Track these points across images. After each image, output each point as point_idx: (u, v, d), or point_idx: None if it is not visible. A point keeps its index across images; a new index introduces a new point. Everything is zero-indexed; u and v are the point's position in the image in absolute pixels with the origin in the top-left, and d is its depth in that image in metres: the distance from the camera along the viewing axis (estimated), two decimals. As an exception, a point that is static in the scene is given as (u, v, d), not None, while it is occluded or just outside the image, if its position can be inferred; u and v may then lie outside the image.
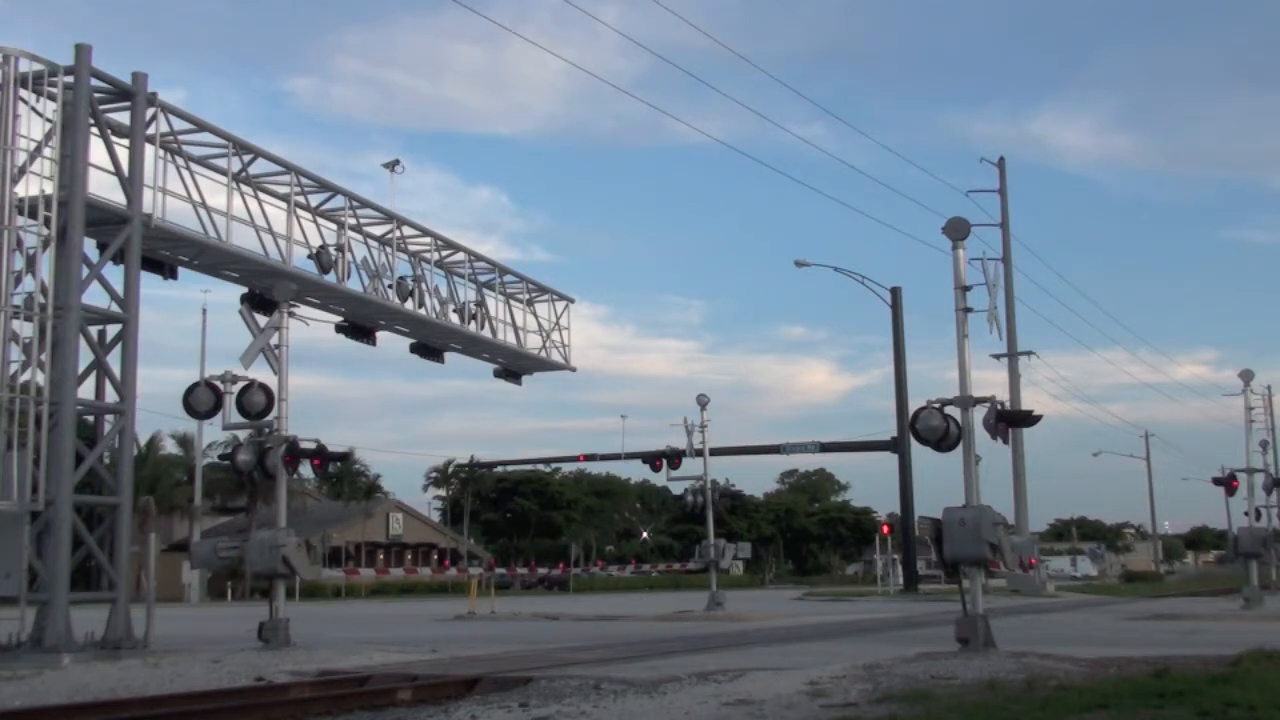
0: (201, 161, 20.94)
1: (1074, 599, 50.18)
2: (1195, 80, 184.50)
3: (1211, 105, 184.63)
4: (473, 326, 28.44)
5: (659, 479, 41.68)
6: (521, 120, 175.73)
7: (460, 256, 28.47)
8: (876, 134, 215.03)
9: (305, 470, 24.14)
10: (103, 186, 18.71)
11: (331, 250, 23.61)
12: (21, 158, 17.52)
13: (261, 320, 20.35)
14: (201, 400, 19.95)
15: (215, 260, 21.46)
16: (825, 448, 68.62)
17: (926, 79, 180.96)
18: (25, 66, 17.52)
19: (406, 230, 26.43)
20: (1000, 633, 17.48)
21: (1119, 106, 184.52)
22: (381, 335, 27.01)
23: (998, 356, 22.79)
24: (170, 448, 64.36)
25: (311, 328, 23.11)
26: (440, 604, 45.90)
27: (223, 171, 21.22)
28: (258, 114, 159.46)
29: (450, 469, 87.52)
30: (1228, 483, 32.54)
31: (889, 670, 13.66)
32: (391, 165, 26.36)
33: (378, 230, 25.76)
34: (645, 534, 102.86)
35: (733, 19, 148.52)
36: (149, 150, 19.20)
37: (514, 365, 31.71)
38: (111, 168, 18.75)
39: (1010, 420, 17.89)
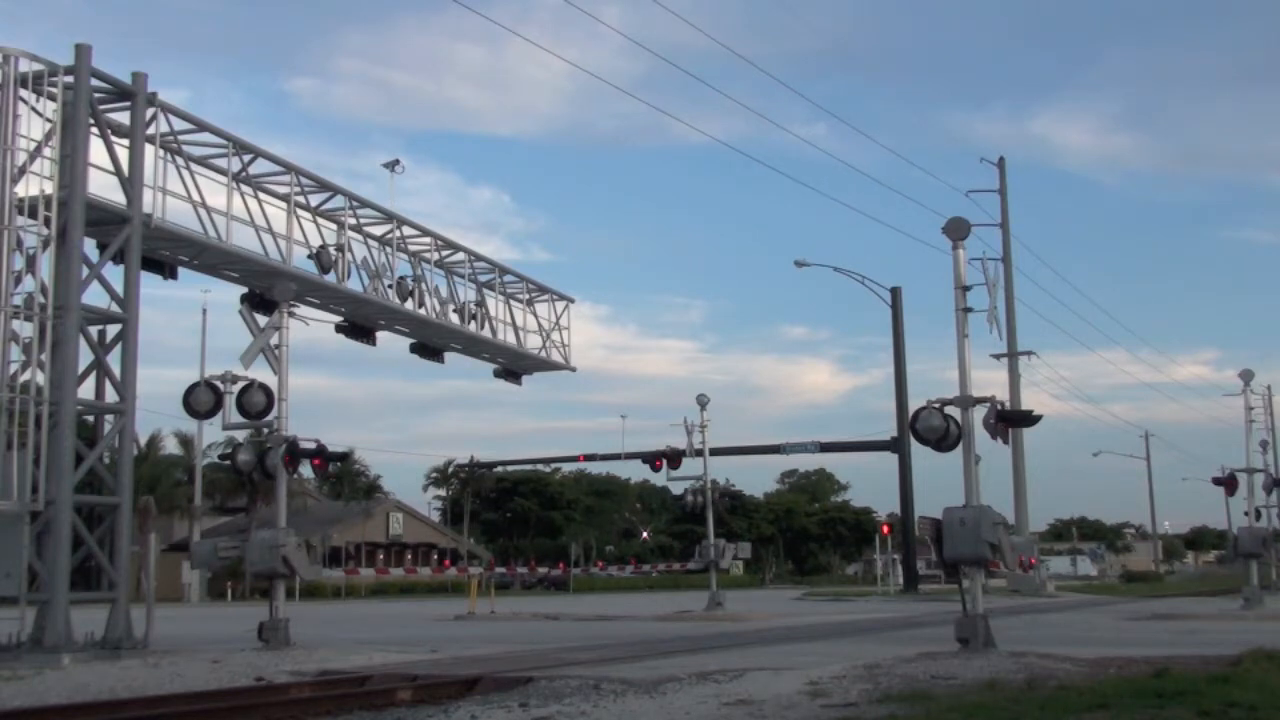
0: (201, 161, 20.95)
1: (1074, 599, 50.17)
2: (1196, 80, 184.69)
3: (1212, 105, 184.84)
4: (473, 326, 28.44)
5: (659, 479, 41.64)
6: (523, 120, 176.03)
7: (460, 256, 28.46)
8: (877, 134, 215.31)
9: (305, 470, 24.12)
10: (103, 186, 18.74)
11: (331, 250, 23.61)
12: (21, 158, 17.52)
13: (261, 320, 20.33)
14: (201, 400, 19.94)
15: (215, 260, 21.46)
16: (825, 448, 68.58)
17: (927, 79, 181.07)
18: (25, 66, 17.52)
19: (406, 230, 26.43)
20: (1000, 633, 17.49)
21: (1120, 106, 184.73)
22: (381, 335, 27.02)
23: (998, 356, 22.81)
24: (171, 447, 64.43)
25: (311, 328, 23.13)
26: (440, 604, 45.89)
27: (223, 171, 21.22)
28: (260, 114, 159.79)
29: (450, 469, 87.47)
30: (1228, 483, 32.52)
31: (889, 670, 13.66)
32: (391, 165, 26.39)
33: (378, 230, 25.76)
34: (645, 534, 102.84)
35: (734, 20, 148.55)
36: (149, 150, 19.20)
37: (514, 365, 31.71)
38: (111, 168, 18.75)
39: (1010, 420, 17.89)
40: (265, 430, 20.52)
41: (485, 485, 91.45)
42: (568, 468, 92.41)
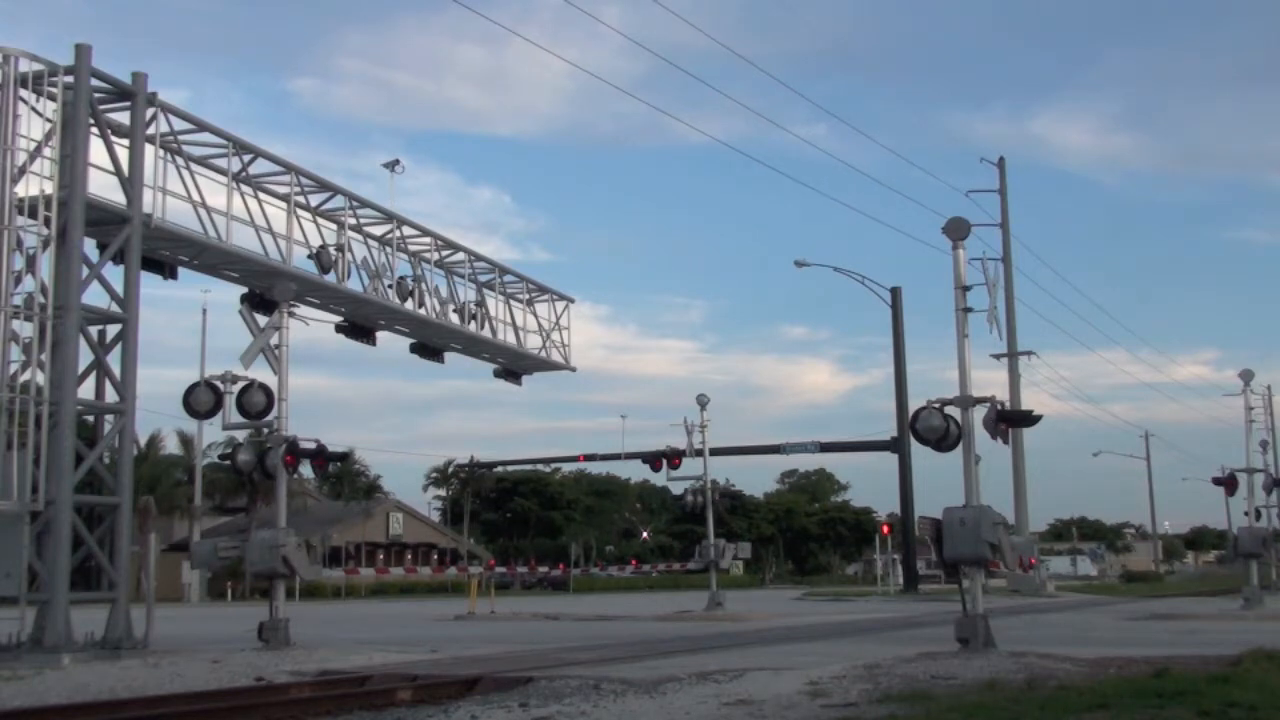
0: (201, 161, 20.95)
1: (1074, 599, 50.17)
2: (1196, 80, 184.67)
3: (1212, 105, 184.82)
4: (473, 326, 28.44)
5: (659, 479, 41.69)
6: (523, 120, 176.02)
7: (460, 256, 28.47)
8: (877, 134, 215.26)
9: (305, 470, 24.12)
10: (103, 186, 18.74)
11: (331, 250, 23.62)
12: (21, 158, 17.52)
13: (261, 320, 20.33)
14: (201, 400, 19.94)
15: (215, 260, 21.46)
16: (825, 448, 68.58)
17: (927, 79, 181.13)
18: (25, 66, 17.52)
19: (406, 230, 26.43)
20: (1000, 633, 17.49)
21: (1120, 106, 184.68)
22: (381, 335, 27.02)
23: (998, 356, 22.81)
24: (171, 447, 64.46)
25: (311, 328, 23.14)
26: (440, 604, 45.89)
27: (223, 171, 21.22)
28: (260, 114, 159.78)
29: (450, 469, 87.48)
30: (1228, 483, 32.52)
31: (889, 670, 13.67)
32: (391, 165, 26.40)
33: (378, 230, 25.77)
34: (645, 534, 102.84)
35: (733, 20, 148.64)
36: (149, 150, 19.20)
37: (514, 365, 31.71)
38: (111, 168, 18.75)
39: (1010, 420, 17.89)
40: (265, 430, 20.52)
41: (485, 485, 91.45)
42: (568, 468, 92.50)
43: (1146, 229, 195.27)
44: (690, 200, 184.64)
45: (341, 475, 73.38)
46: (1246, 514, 32.78)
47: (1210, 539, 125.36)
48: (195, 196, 20.31)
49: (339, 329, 25.69)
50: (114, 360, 18.84)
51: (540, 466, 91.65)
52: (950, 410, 17.47)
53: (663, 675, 13.50)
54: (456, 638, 22.74)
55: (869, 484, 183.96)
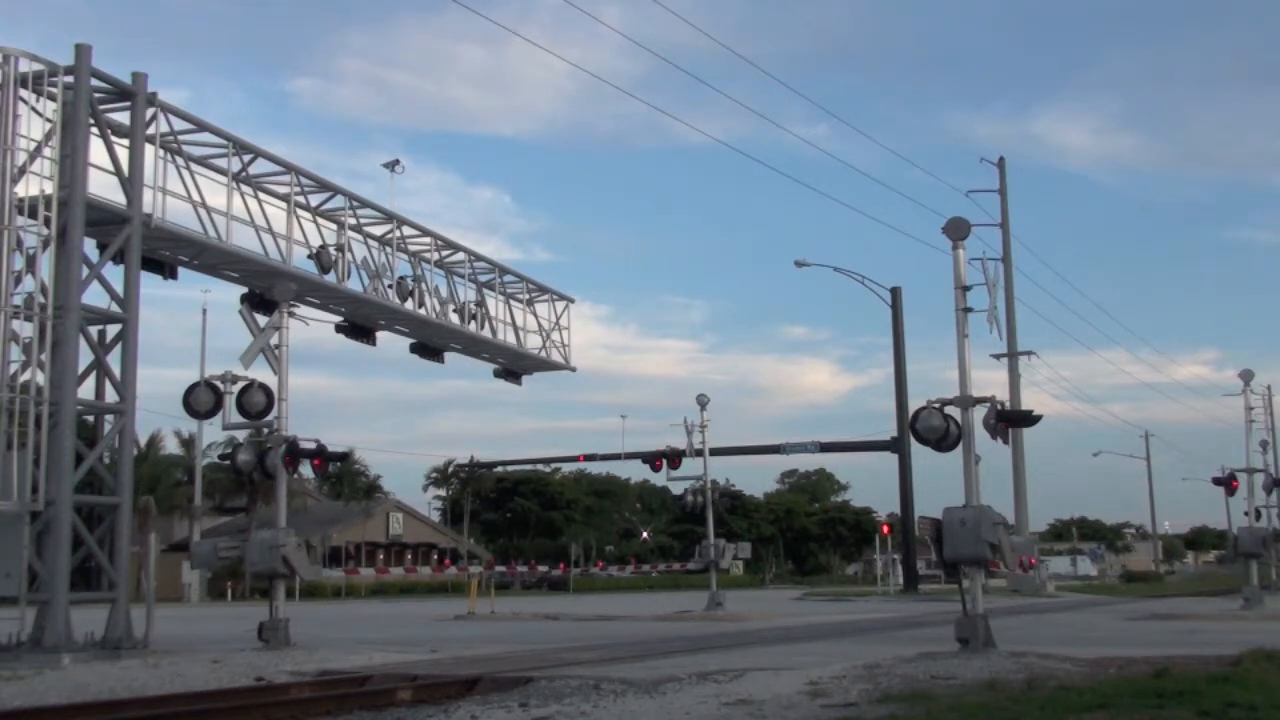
0: (201, 161, 20.95)
1: (1074, 599, 50.18)
2: (1196, 80, 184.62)
3: (1212, 105, 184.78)
4: (473, 326, 28.45)
5: (659, 479, 41.66)
6: (523, 120, 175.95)
7: (460, 256, 28.47)
8: (877, 134, 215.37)
9: (305, 470, 24.13)
10: (103, 186, 18.74)
11: (331, 250, 23.62)
12: (21, 158, 17.52)
13: (261, 320, 20.33)
14: (201, 400, 19.95)
15: (215, 260, 21.46)
16: (825, 448, 68.60)
17: (928, 79, 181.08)
18: (25, 66, 17.53)
19: (406, 230, 26.44)
20: (1000, 633, 17.49)
21: (1120, 106, 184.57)
22: (381, 335, 27.03)
23: (998, 356, 22.82)
24: (171, 447, 64.47)
25: (311, 328, 23.14)
26: (440, 604, 45.90)
27: (223, 171, 21.23)
28: (261, 114, 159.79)
29: (450, 469, 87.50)
30: (1228, 483, 32.52)
31: (889, 670, 13.67)
32: (391, 165, 26.41)
33: (378, 230, 25.77)
34: (645, 534, 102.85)
35: (734, 20, 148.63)
36: (149, 150, 19.21)
37: (514, 365, 31.72)
38: (111, 168, 18.75)
39: (1010, 420, 17.89)
40: (265, 430, 20.52)
41: (485, 485, 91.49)
42: (568, 468, 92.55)
43: (1146, 229, 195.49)
44: (690, 200, 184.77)
45: (341, 475, 73.37)
46: (1246, 514, 32.78)
47: (1210, 539, 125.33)
48: (195, 196, 20.33)
49: (339, 329, 25.69)
50: (114, 360, 18.84)
51: (540, 466, 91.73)
52: (950, 410, 17.47)
53: (663, 675, 13.51)
54: (456, 638, 22.75)
55: (869, 484, 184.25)
